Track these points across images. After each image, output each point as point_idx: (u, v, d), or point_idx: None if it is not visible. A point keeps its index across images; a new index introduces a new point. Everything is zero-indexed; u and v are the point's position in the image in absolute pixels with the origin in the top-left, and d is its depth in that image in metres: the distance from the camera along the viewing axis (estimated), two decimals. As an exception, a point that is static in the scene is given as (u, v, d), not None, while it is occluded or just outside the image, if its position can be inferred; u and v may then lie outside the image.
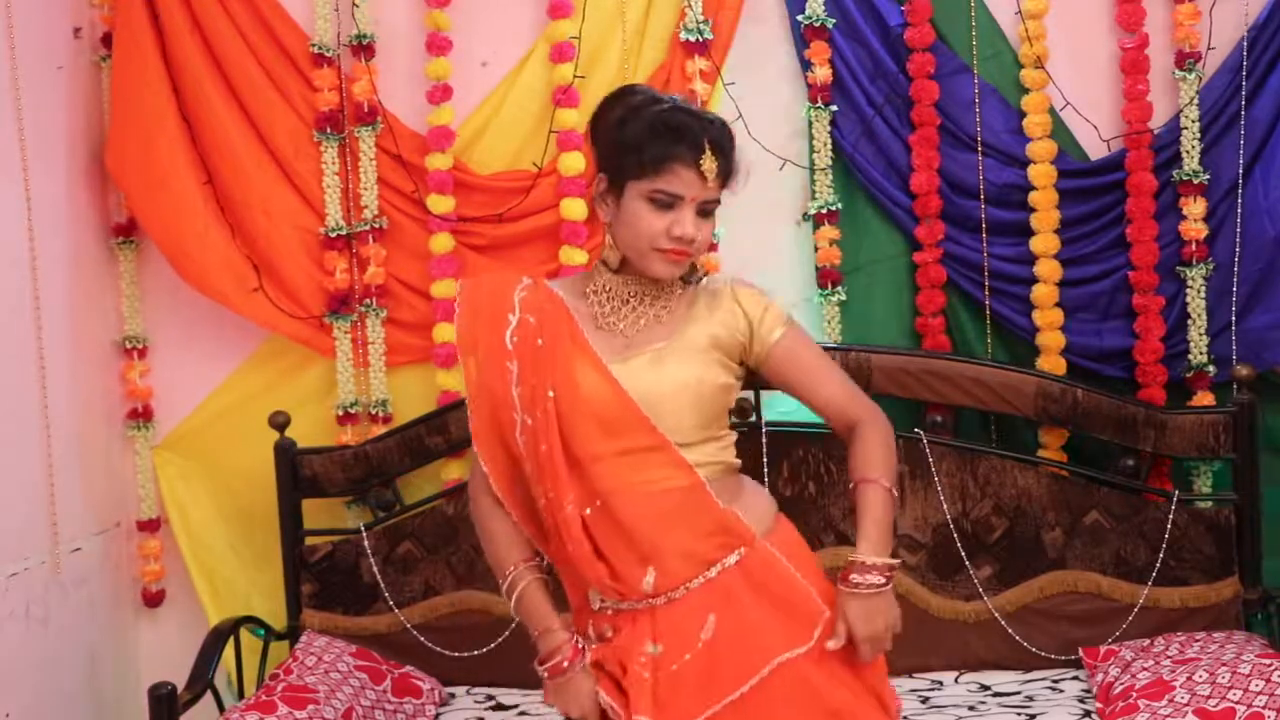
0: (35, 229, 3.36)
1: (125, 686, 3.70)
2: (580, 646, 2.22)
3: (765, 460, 3.35)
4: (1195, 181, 3.42)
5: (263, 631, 3.49)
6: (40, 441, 3.36)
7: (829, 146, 3.55)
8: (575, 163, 3.52)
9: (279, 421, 3.50)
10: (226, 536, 3.72)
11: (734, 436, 2.29)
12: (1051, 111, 3.48)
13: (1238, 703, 2.81)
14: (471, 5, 3.63)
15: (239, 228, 3.62)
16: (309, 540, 3.54)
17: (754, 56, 3.60)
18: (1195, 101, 3.42)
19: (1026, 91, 3.49)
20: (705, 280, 2.31)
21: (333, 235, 3.61)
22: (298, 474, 3.51)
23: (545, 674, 2.23)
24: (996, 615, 3.37)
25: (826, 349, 3.34)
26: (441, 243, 3.60)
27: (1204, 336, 3.45)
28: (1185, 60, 3.44)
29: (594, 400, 2.16)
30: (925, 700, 3.22)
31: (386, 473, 3.53)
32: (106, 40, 3.66)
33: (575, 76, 3.55)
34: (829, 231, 3.56)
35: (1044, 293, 3.48)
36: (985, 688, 3.28)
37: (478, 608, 3.46)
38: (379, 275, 3.62)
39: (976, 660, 3.38)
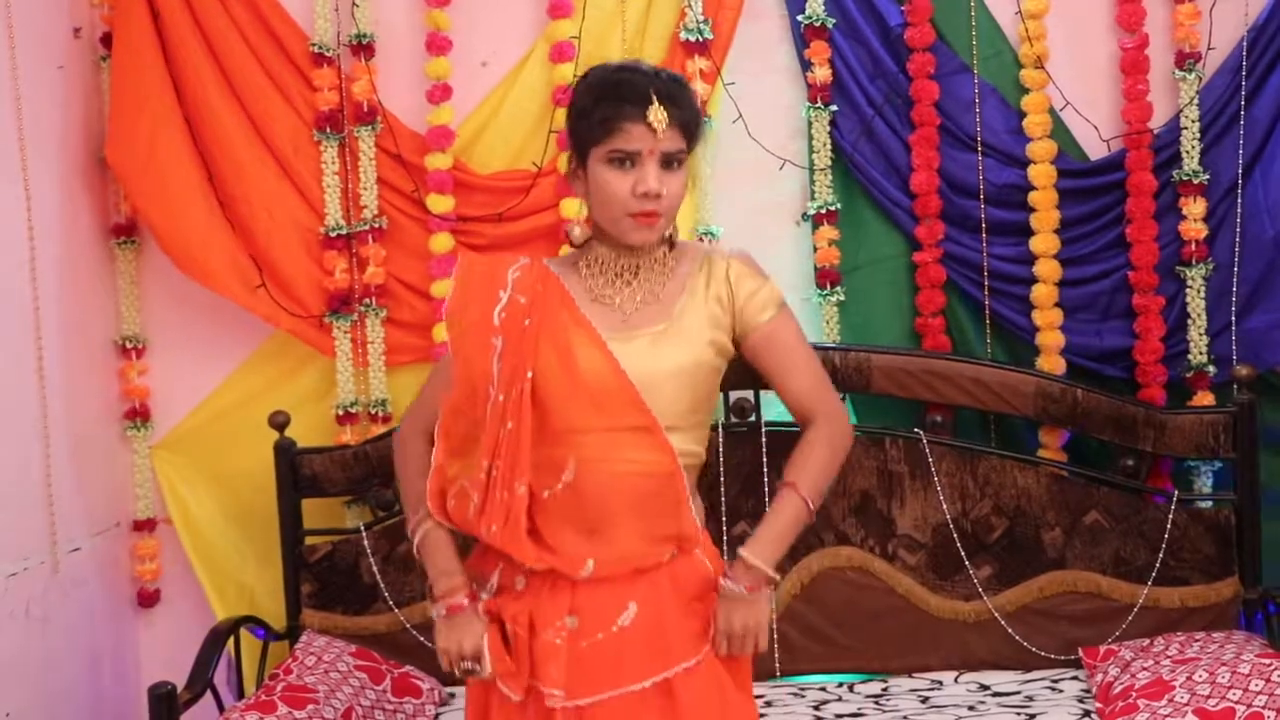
0: (34, 229, 3.36)
1: (125, 686, 3.69)
2: (476, 591, 2.25)
3: (765, 460, 3.35)
4: (1195, 181, 3.42)
5: (262, 633, 3.49)
6: (39, 441, 3.35)
7: (828, 146, 3.55)
8: (575, 163, 3.52)
9: (279, 421, 3.50)
10: (226, 536, 3.71)
11: (710, 420, 2.30)
12: (1051, 111, 3.48)
13: (1237, 702, 2.81)
14: (471, 5, 3.63)
15: (240, 226, 3.62)
16: (309, 540, 3.54)
17: (754, 56, 3.60)
18: (1195, 101, 3.43)
19: (1026, 91, 3.49)
20: (709, 249, 2.32)
21: (332, 235, 3.61)
22: (297, 474, 3.51)
23: (444, 611, 2.25)
24: (996, 615, 3.37)
25: (826, 349, 3.38)
26: (441, 242, 3.60)
27: (1204, 336, 3.45)
28: (1185, 60, 3.44)
29: (590, 376, 2.16)
30: (925, 700, 3.22)
31: (386, 472, 3.52)
32: (106, 40, 3.65)
33: (575, 76, 3.54)
34: (828, 231, 3.56)
35: (1044, 293, 3.49)
36: (985, 688, 3.28)
37: (477, 608, 3.46)
38: (379, 275, 3.62)
39: (976, 660, 3.38)
